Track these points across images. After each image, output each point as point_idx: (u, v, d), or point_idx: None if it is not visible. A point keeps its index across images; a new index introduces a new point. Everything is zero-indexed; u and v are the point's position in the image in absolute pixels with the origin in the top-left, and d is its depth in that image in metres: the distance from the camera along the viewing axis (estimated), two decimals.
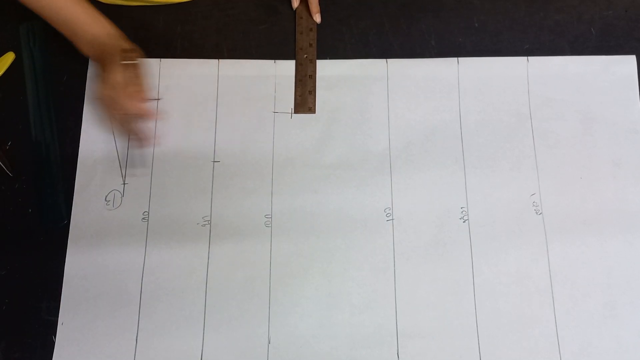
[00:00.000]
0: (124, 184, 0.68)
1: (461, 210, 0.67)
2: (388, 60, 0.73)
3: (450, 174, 0.68)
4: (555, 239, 0.66)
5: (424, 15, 0.75)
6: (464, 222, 0.66)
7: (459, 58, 0.72)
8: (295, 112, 0.69)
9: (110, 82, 0.61)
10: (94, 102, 0.66)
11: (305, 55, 0.71)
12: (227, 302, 0.64)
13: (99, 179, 0.68)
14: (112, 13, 0.72)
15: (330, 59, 0.73)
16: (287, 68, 0.72)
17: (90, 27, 0.64)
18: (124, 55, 0.62)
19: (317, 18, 0.72)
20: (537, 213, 0.67)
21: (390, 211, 0.67)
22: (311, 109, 0.69)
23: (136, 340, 0.63)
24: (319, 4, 0.73)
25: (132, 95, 0.62)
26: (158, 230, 0.66)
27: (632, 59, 0.72)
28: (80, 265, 0.65)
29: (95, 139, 0.70)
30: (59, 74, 0.72)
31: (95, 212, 0.67)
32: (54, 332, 0.63)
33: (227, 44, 0.74)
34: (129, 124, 0.65)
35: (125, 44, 0.64)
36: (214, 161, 0.69)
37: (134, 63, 0.62)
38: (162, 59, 0.73)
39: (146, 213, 0.67)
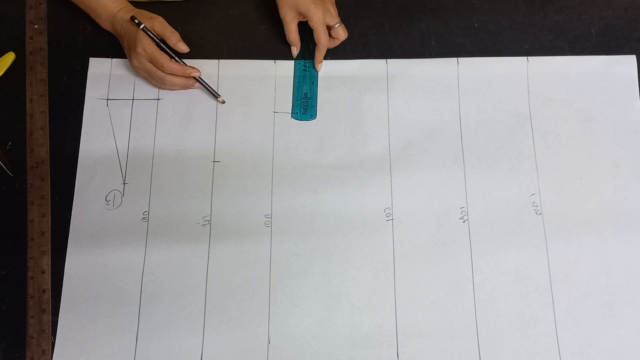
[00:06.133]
0: (124, 183, 0.68)
1: (461, 210, 0.67)
2: (388, 60, 0.73)
3: (449, 174, 0.68)
4: (554, 238, 0.66)
5: (423, 15, 0.75)
6: (463, 222, 0.66)
7: (459, 58, 0.72)
8: None
9: (136, 54, 0.66)
10: (137, 73, 0.70)
11: None
12: (227, 302, 0.64)
13: (99, 179, 0.68)
14: None
15: (330, 59, 0.73)
16: (287, 68, 0.73)
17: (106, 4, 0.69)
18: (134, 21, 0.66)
19: (319, 67, 0.72)
20: (536, 213, 0.67)
21: (390, 211, 0.67)
22: None
23: (136, 340, 0.63)
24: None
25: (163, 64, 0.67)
26: (158, 230, 0.66)
27: (632, 59, 0.72)
28: (80, 265, 0.65)
29: (95, 139, 0.70)
30: (59, 74, 0.72)
31: (95, 212, 0.67)
32: (54, 332, 0.63)
33: (227, 44, 0.74)
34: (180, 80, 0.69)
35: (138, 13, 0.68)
36: (214, 161, 0.69)
37: (144, 28, 0.66)
38: None
39: (146, 213, 0.67)
